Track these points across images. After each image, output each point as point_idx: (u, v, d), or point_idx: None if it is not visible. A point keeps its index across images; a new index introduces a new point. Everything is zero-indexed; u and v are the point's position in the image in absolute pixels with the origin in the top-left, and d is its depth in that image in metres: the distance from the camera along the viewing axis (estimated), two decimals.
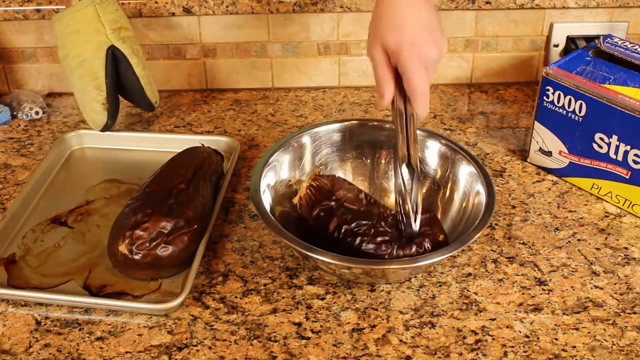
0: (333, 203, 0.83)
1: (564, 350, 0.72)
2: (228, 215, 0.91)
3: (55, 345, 0.73)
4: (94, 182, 0.97)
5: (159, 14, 1.11)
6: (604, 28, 1.15)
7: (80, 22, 0.97)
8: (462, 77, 1.21)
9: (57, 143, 1.03)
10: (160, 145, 1.03)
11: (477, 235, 0.76)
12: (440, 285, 0.80)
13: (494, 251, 0.85)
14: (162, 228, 0.79)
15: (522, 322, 0.75)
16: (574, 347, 0.72)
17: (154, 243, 0.78)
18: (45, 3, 1.10)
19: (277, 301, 0.78)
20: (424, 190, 0.89)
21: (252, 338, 0.74)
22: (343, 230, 0.80)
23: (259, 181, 0.83)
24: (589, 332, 0.74)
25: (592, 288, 0.80)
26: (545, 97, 0.94)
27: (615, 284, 0.80)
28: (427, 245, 0.78)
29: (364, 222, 0.80)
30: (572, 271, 0.82)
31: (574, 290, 0.79)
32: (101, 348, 0.73)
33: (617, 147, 0.88)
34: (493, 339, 0.73)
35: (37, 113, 1.12)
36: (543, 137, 0.96)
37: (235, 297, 0.79)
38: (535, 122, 0.96)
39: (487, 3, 1.12)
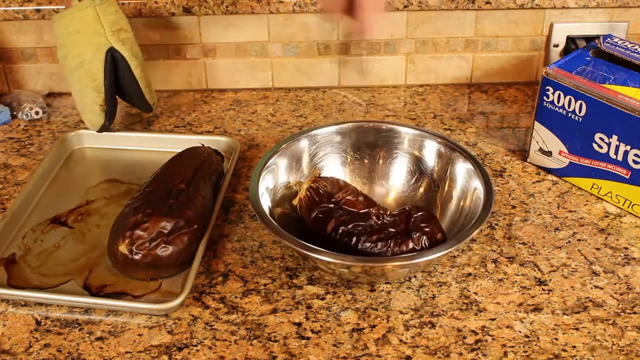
0: (332, 205, 0.83)
1: (564, 350, 0.72)
2: (228, 215, 0.91)
3: (55, 345, 0.73)
4: (94, 182, 0.97)
5: (159, 14, 1.11)
6: (604, 28, 1.15)
7: (80, 23, 0.97)
8: (462, 77, 1.21)
9: (57, 143, 1.03)
10: (160, 145, 1.03)
11: (474, 232, 0.76)
12: (440, 285, 0.80)
13: (494, 251, 0.85)
14: (162, 228, 0.79)
15: (522, 322, 0.75)
16: (574, 347, 0.72)
17: (154, 243, 0.78)
18: (45, 3, 1.10)
19: (277, 301, 0.78)
20: (422, 189, 0.89)
21: (252, 338, 0.74)
22: (340, 231, 0.80)
23: (257, 181, 0.83)
24: (589, 332, 0.74)
25: (592, 288, 0.80)
26: (545, 97, 0.94)
27: (615, 284, 0.80)
28: (424, 243, 0.78)
29: (362, 222, 0.81)
30: (572, 271, 0.82)
31: (574, 290, 0.79)
32: (101, 348, 0.73)
33: (617, 147, 0.88)
34: (493, 339, 0.73)
35: (37, 113, 1.12)
36: (543, 137, 0.96)
37: (235, 297, 0.79)
38: (535, 122, 0.96)
39: (487, 3, 1.12)
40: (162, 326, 0.75)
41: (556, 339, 0.73)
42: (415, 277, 0.81)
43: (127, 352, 0.72)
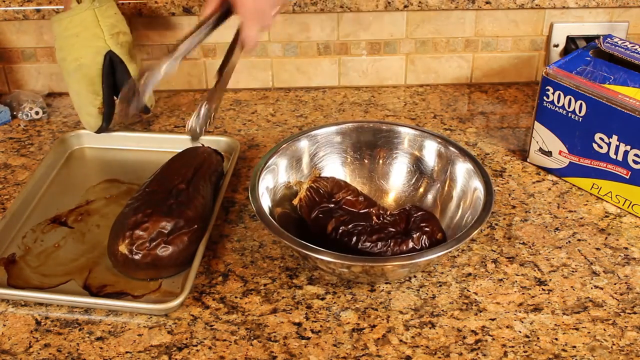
0: (332, 205, 0.83)
1: (564, 350, 0.72)
2: (228, 215, 0.91)
3: (55, 345, 0.73)
4: (94, 182, 0.97)
5: (159, 14, 1.11)
6: (604, 28, 1.15)
7: (79, 25, 0.97)
8: (462, 77, 1.21)
9: (57, 143, 1.03)
10: (160, 145, 1.03)
11: (474, 232, 0.76)
12: (440, 285, 0.80)
13: (494, 251, 0.85)
14: (162, 228, 0.79)
15: (522, 322, 0.75)
16: (574, 347, 0.72)
17: (154, 243, 0.78)
18: (45, 3, 1.10)
19: (277, 301, 0.78)
20: (422, 189, 0.90)
21: (252, 338, 0.74)
22: (340, 231, 0.80)
23: (257, 181, 0.83)
24: (589, 332, 0.74)
25: (592, 288, 0.80)
26: (545, 97, 0.94)
27: (615, 284, 0.80)
28: (424, 243, 0.78)
29: (362, 222, 0.81)
30: (572, 271, 0.82)
31: (574, 290, 0.79)
32: (101, 348, 0.73)
33: (617, 147, 0.88)
34: (493, 339, 0.73)
35: (37, 113, 1.12)
36: (543, 137, 0.96)
37: (235, 297, 0.79)
38: (535, 122, 0.96)
39: (487, 3, 1.12)
40: (162, 326, 0.75)
41: (556, 339, 0.73)
42: (415, 277, 0.81)
43: (127, 352, 0.72)
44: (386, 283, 0.80)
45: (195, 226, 0.81)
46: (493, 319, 0.76)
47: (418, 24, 1.15)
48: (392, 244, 0.78)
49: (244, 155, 1.02)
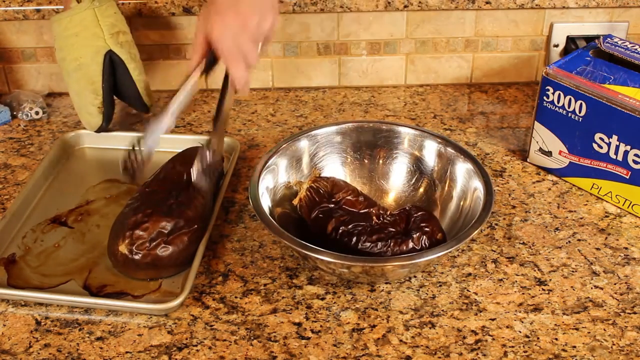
0: (332, 205, 0.83)
1: (564, 350, 0.72)
2: (228, 215, 0.91)
3: (55, 345, 0.73)
4: (94, 182, 0.97)
5: (159, 14, 1.11)
6: (604, 28, 1.15)
7: (79, 25, 0.97)
8: (462, 77, 1.21)
9: (57, 143, 1.03)
10: (161, 145, 1.03)
11: (474, 232, 0.76)
12: (440, 285, 0.80)
13: (494, 251, 0.85)
14: (162, 228, 0.79)
15: (522, 322, 0.75)
16: (574, 347, 0.72)
17: (154, 243, 0.78)
18: (45, 3, 1.10)
19: (277, 301, 0.78)
20: (422, 189, 0.89)
21: (252, 338, 0.74)
22: (340, 231, 0.80)
23: (257, 181, 0.83)
24: (589, 332, 0.74)
25: (592, 288, 0.80)
26: (545, 97, 0.94)
27: (615, 284, 0.80)
28: (424, 243, 0.78)
29: (362, 222, 0.81)
30: (572, 271, 0.82)
31: (574, 290, 0.79)
32: (101, 348, 0.73)
33: (617, 147, 0.88)
34: (493, 339, 0.73)
35: (37, 113, 1.12)
36: (543, 137, 0.96)
37: (235, 297, 0.79)
38: (535, 122, 0.96)
39: (487, 3, 1.12)
40: (162, 326, 0.75)
41: (556, 339, 0.73)
42: (415, 277, 0.81)
43: (127, 352, 0.72)
44: (386, 283, 0.80)
45: (195, 226, 0.81)
46: (493, 319, 0.76)
47: (418, 24, 1.15)
48: (392, 244, 0.78)
49: (244, 155, 1.02)
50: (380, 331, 0.74)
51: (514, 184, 0.96)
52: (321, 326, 0.75)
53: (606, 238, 0.87)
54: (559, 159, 0.96)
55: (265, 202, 0.82)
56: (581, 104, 0.90)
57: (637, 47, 0.94)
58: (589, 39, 1.13)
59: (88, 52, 0.98)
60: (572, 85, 0.90)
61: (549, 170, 0.98)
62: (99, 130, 1.03)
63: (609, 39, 0.96)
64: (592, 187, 0.93)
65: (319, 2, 1.11)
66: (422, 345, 0.73)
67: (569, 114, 0.92)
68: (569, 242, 0.86)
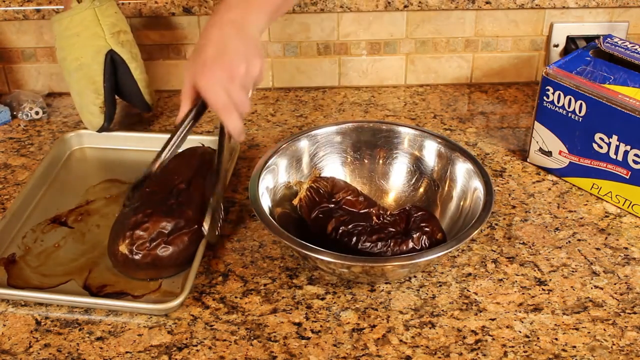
0: (332, 205, 0.83)
1: (564, 350, 0.72)
2: (228, 215, 0.91)
3: (55, 345, 0.73)
4: (94, 182, 0.97)
5: (159, 14, 1.11)
6: (604, 28, 1.15)
7: (79, 25, 0.97)
8: (462, 77, 1.21)
9: (57, 143, 1.03)
10: (160, 145, 1.03)
11: (474, 232, 0.76)
12: (440, 285, 0.80)
13: (494, 251, 0.85)
14: (162, 228, 0.79)
15: (522, 322, 0.75)
16: (574, 347, 0.72)
17: (154, 243, 0.78)
18: (45, 3, 1.10)
19: (277, 301, 0.78)
20: (422, 189, 0.90)
21: (252, 338, 0.74)
22: (340, 231, 0.80)
23: (257, 181, 0.83)
24: (589, 332, 0.74)
25: (592, 288, 0.80)
26: (545, 97, 0.94)
27: (615, 284, 0.80)
28: (424, 243, 0.78)
29: (362, 223, 0.81)
30: (572, 271, 0.82)
31: (574, 290, 0.79)
32: (101, 348, 0.73)
33: (617, 147, 0.88)
34: (493, 339, 0.73)
35: (37, 113, 1.12)
36: (543, 137, 0.96)
37: (235, 297, 0.79)
38: (535, 122, 0.96)
39: (487, 3, 1.12)
40: (162, 326, 0.75)
41: (556, 339, 0.73)
42: (415, 277, 0.81)
43: (127, 352, 0.72)
44: (386, 283, 0.80)
45: (196, 226, 0.81)
46: (493, 319, 0.76)
47: (418, 24, 1.15)
48: (392, 244, 0.78)
49: (244, 155, 1.02)
50: (380, 331, 0.74)
51: (514, 184, 0.96)
52: (321, 326, 0.75)
53: (606, 238, 0.87)
54: (559, 159, 0.96)
55: (265, 202, 0.82)
56: (581, 104, 0.90)
57: (637, 47, 0.94)
58: (589, 39, 1.13)
59: (89, 52, 0.98)
60: (572, 85, 0.90)
61: (549, 170, 0.98)
62: (100, 130, 1.03)
63: (609, 39, 0.96)
64: (592, 187, 0.93)
65: (319, 2, 1.11)
66: (422, 345, 0.73)
67: (569, 114, 0.92)
68: (569, 242, 0.86)
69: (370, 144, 0.93)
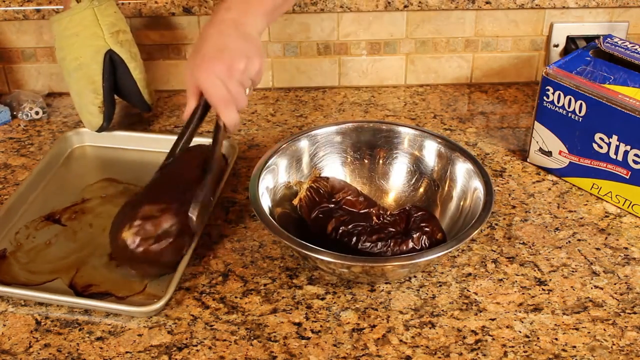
0: (332, 205, 0.83)
1: (564, 350, 0.72)
2: (228, 215, 0.91)
3: (55, 345, 0.73)
4: (92, 180, 0.97)
5: (159, 14, 1.11)
6: (604, 28, 1.15)
7: (79, 25, 0.97)
8: (462, 77, 1.21)
9: (58, 140, 1.03)
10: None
11: (474, 232, 0.76)
12: (440, 285, 0.80)
13: (494, 251, 0.85)
14: (170, 228, 0.77)
15: (522, 322, 0.75)
16: (574, 347, 0.72)
17: (158, 241, 0.77)
18: (45, 3, 1.10)
19: (277, 301, 0.78)
20: (422, 189, 0.90)
21: (252, 338, 0.74)
22: (340, 231, 0.80)
23: (257, 181, 0.83)
24: (589, 332, 0.74)
25: (592, 288, 0.80)
26: (545, 97, 0.94)
27: (615, 284, 0.80)
28: (424, 243, 0.78)
29: (362, 223, 0.81)
30: (572, 271, 0.82)
31: (574, 290, 0.79)
32: (101, 348, 0.73)
33: (617, 147, 0.88)
34: (493, 339, 0.73)
35: (37, 113, 1.12)
36: (543, 137, 0.96)
37: (235, 297, 0.79)
38: (535, 122, 0.96)
39: (487, 3, 1.12)
40: (162, 326, 0.75)
41: (556, 339, 0.73)
42: (415, 277, 0.81)
43: (127, 352, 0.72)
44: (386, 283, 0.80)
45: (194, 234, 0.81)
46: (493, 319, 0.76)
47: (418, 24, 1.15)
48: (392, 244, 0.78)
49: (244, 155, 1.02)
50: (380, 331, 0.74)
51: (514, 184, 0.96)
52: (321, 326, 0.75)
53: (606, 238, 0.87)
54: (559, 159, 0.96)
55: (265, 202, 0.82)
56: (581, 104, 0.90)
57: (637, 47, 0.94)
58: (589, 39, 1.13)
59: (88, 52, 0.98)
60: (572, 85, 0.90)
61: (549, 170, 0.98)
62: (100, 130, 1.03)
63: (609, 39, 0.96)
64: (592, 187, 0.93)
65: (319, 2, 1.11)
66: (422, 345, 0.73)
67: (569, 114, 0.92)
68: (569, 242, 0.86)
69: (370, 144, 0.93)
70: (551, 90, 0.93)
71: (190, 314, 0.77)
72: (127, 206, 0.80)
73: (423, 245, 0.78)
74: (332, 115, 1.13)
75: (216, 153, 0.85)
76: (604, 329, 0.74)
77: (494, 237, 0.87)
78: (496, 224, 0.89)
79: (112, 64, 0.99)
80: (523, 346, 0.72)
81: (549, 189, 0.95)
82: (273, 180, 0.86)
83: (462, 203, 0.85)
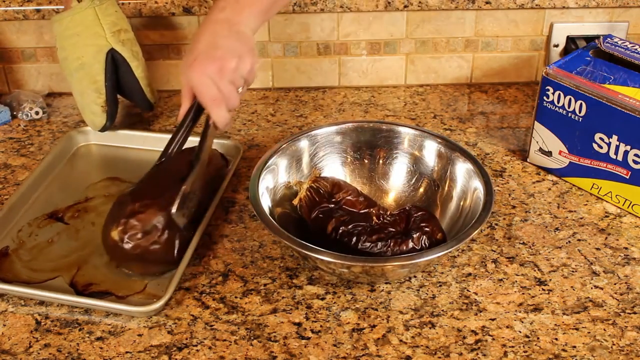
0: (332, 205, 0.83)
1: (564, 350, 0.72)
2: (228, 215, 0.91)
3: (55, 345, 0.73)
4: (96, 179, 0.98)
5: (159, 14, 1.11)
6: (604, 28, 1.15)
7: (80, 25, 0.97)
8: (462, 77, 1.21)
9: (63, 138, 1.03)
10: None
11: (474, 232, 0.76)
12: (440, 285, 0.80)
13: (494, 251, 0.85)
14: (157, 222, 0.78)
15: (522, 322, 0.75)
16: (574, 347, 0.72)
17: (147, 236, 0.77)
18: (45, 3, 1.10)
19: (277, 301, 0.78)
20: (422, 189, 0.90)
21: (252, 338, 0.74)
22: (340, 231, 0.80)
23: (257, 181, 0.83)
24: (589, 332, 0.74)
25: (592, 288, 0.80)
26: (545, 97, 0.94)
27: (615, 284, 0.80)
28: (424, 243, 0.78)
29: (362, 223, 0.81)
30: (572, 271, 0.82)
31: (574, 290, 0.79)
32: (101, 348, 0.73)
33: (617, 147, 0.88)
34: (493, 339, 0.73)
35: (37, 113, 1.12)
36: (543, 137, 0.96)
37: (235, 297, 0.79)
38: (535, 122, 0.96)
39: (487, 3, 1.12)
40: (162, 326, 0.75)
41: (556, 339, 0.73)
42: (415, 277, 0.81)
43: (127, 352, 0.72)
44: (386, 283, 0.80)
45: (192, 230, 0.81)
46: (493, 319, 0.76)
47: (418, 24, 1.15)
48: (392, 244, 0.78)
49: (244, 155, 1.02)
50: (380, 331, 0.74)
51: (514, 184, 0.96)
52: (321, 326, 0.75)
53: (606, 238, 0.87)
54: (559, 159, 0.96)
55: (265, 202, 0.82)
56: (581, 104, 0.90)
57: (637, 47, 0.94)
58: (589, 39, 1.13)
59: (90, 51, 0.98)
60: (572, 85, 0.90)
61: (549, 170, 0.98)
62: (103, 129, 1.03)
63: (609, 39, 0.96)
64: (592, 187, 0.93)
65: (319, 2, 1.11)
66: (422, 345, 0.73)
67: (569, 114, 0.92)
68: (569, 242, 0.86)
69: (370, 144, 0.93)
70: (551, 90, 0.93)
71: (190, 314, 0.77)
72: (115, 206, 0.81)
73: (423, 245, 0.78)
74: (332, 115, 1.13)
75: (203, 150, 0.85)
76: (604, 329, 0.74)
77: (494, 237, 0.87)
78: (496, 224, 0.89)
79: (114, 63, 0.99)
80: (523, 346, 0.72)
81: (549, 189, 0.95)
82: (273, 180, 0.86)
83: (462, 203, 0.85)
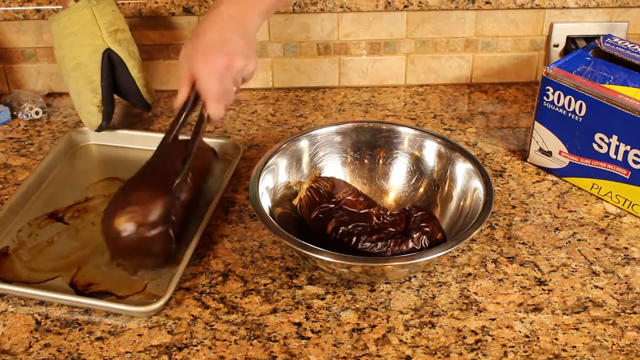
0: (332, 205, 0.83)
1: (564, 350, 0.72)
2: (228, 215, 0.91)
3: (55, 345, 0.73)
4: (96, 179, 0.98)
5: (159, 14, 1.11)
6: (604, 28, 1.15)
7: (77, 24, 0.97)
8: (462, 77, 1.21)
9: (62, 139, 1.03)
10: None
11: (474, 232, 0.76)
12: (440, 285, 0.80)
13: (494, 251, 0.85)
14: (157, 215, 0.77)
15: (522, 322, 0.75)
16: (574, 347, 0.72)
17: (147, 227, 0.77)
18: (45, 3, 1.10)
19: (277, 301, 0.78)
20: (422, 189, 0.90)
21: (252, 338, 0.74)
22: (340, 231, 0.80)
23: (257, 181, 0.83)
24: (589, 332, 0.74)
25: (592, 288, 0.80)
26: (545, 97, 0.94)
27: (615, 284, 0.80)
28: (424, 243, 0.78)
29: (362, 223, 0.81)
30: (572, 271, 0.82)
31: (574, 290, 0.79)
32: (101, 348, 0.73)
33: (617, 147, 0.88)
34: (493, 339, 0.73)
35: (37, 113, 1.12)
36: (543, 137, 0.96)
37: (235, 297, 0.79)
38: (535, 122, 0.96)
39: (487, 3, 1.12)
40: (162, 326, 0.75)
41: (556, 339, 0.73)
42: (415, 277, 0.81)
43: (127, 352, 0.72)
44: (386, 283, 0.80)
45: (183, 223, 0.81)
46: (493, 319, 0.76)
47: (418, 24, 1.15)
48: (392, 244, 0.78)
49: (244, 155, 1.02)
50: (380, 331, 0.74)
51: (514, 184, 0.96)
52: (321, 326, 0.75)
53: (606, 238, 0.87)
54: (559, 159, 0.96)
55: (265, 202, 0.82)
56: (581, 104, 0.90)
57: (637, 47, 0.94)
58: (589, 39, 1.13)
59: (86, 51, 0.98)
60: (572, 85, 0.90)
61: (549, 170, 0.98)
62: (99, 129, 1.03)
63: (609, 39, 0.96)
64: (592, 187, 0.93)
65: (319, 2, 1.11)
66: (422, 345, 0.73)
67: (569, 114, 0.92)
68: (569, 242, 0.86)
69: (370, 144, 0.93)
70: (551, 90, 0.93)
71: (190, 314, 0.77)
72: (113, 199, 0.81)
73: (423, 245, 0.78)
74: (332, 115, 1.13)
75: (197, 143, 0.85)
76: (604, 329, 0.74)
77: (494, 237, 0.87)
78: (496, 224, 0.89)
79: (111, 63, 0.99)
80: (523, 346, 0.72)
81: (549, 189, 0.95)
82: (273, 180, 0.86)
83: (462, 203, 0.85)
